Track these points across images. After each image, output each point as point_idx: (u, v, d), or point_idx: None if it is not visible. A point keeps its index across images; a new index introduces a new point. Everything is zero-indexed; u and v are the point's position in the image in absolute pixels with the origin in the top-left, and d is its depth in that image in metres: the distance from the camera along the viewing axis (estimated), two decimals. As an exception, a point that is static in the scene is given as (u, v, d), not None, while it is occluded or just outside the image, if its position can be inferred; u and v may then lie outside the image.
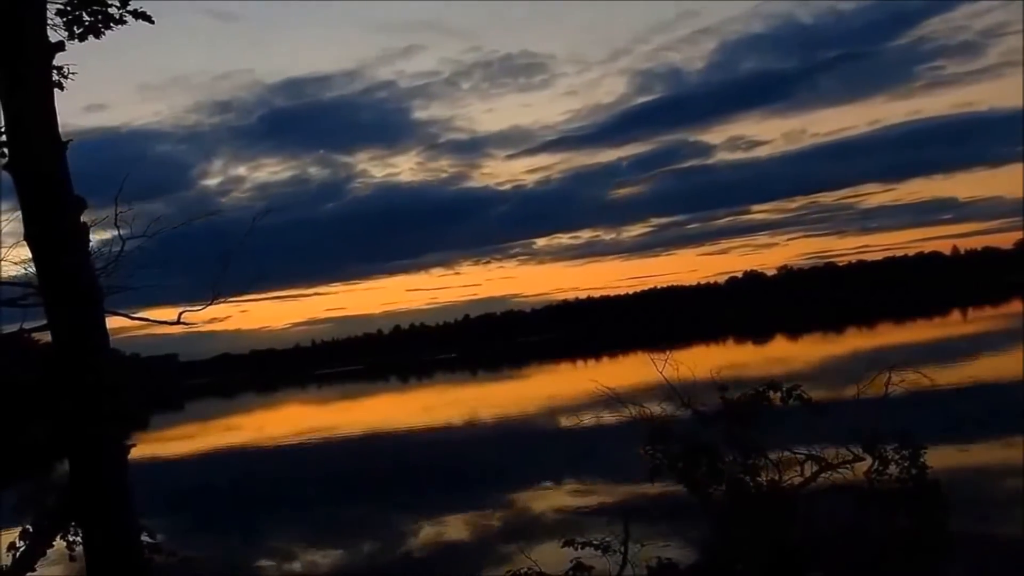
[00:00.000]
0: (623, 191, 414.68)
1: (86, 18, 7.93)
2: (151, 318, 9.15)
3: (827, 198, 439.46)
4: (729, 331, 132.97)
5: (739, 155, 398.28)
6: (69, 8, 7.89)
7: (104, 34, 8.02)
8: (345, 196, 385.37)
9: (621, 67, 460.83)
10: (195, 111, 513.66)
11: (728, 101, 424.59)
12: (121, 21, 7.99)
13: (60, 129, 7.23)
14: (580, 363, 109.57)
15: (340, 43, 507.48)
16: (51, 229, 7.15)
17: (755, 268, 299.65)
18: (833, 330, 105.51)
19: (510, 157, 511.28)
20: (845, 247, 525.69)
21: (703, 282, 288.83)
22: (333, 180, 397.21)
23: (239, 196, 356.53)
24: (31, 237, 7.22)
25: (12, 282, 8.84)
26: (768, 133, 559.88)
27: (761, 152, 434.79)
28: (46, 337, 7.56)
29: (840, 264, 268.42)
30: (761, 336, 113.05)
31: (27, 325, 8.75)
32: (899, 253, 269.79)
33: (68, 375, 7.26)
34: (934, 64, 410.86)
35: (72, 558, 9.22)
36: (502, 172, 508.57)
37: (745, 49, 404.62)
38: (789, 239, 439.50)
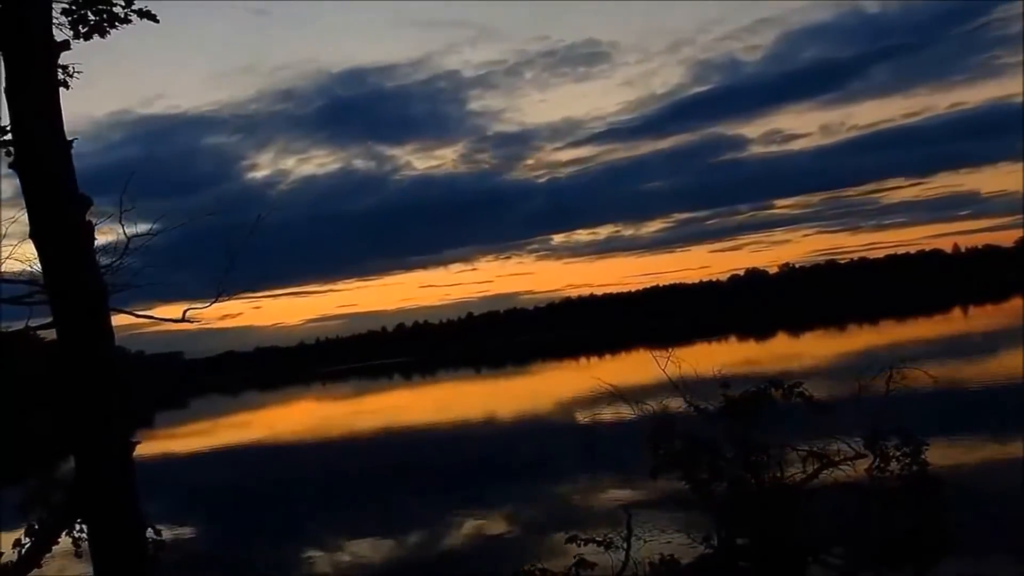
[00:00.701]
0: (651, 185, 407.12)
1: (91, 17, 7.97)
2: (156, 315, 9.21)
3: (850, 193, 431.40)
4: (728, 329, 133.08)
5: (772, 149, 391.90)
6: (74, 7, 7.93)
7: (109, 33, 8.06)
8: (384, 189, 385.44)
9: (681, 57, 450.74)
10: (256, 100, 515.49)
11: (778, 92, 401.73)
12: (126, 20, 8.03)
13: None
14: (580, 361, 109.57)
15: (409, 32, 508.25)
16: (56, 227, 7.20)
17: (763, 265, 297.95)
18: (831, 328, 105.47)
19: (556, 149, 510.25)
20: (855, 244, 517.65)
21: (706, 279, 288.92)
22: (377, 173, 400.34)
23: (283, 190, 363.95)
24: (36, 235, 7.27)
25: (18, 280, 8.90)
26: (807, 126, 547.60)
27: (795, 146, 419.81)
28: (51, 335, 7.60)
29: (841, 262, 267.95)
30: (758, 334, 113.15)
31: (33, 323, 8.80)
32: (901, 251, 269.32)
33: (73, 373, 7.31)
34: (991, 54, 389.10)
35: (78, 555, 9.28)
36: (544, 165, 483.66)
37: (806, 39, 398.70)
38: (805, 235, 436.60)
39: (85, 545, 8.65)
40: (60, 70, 7.55)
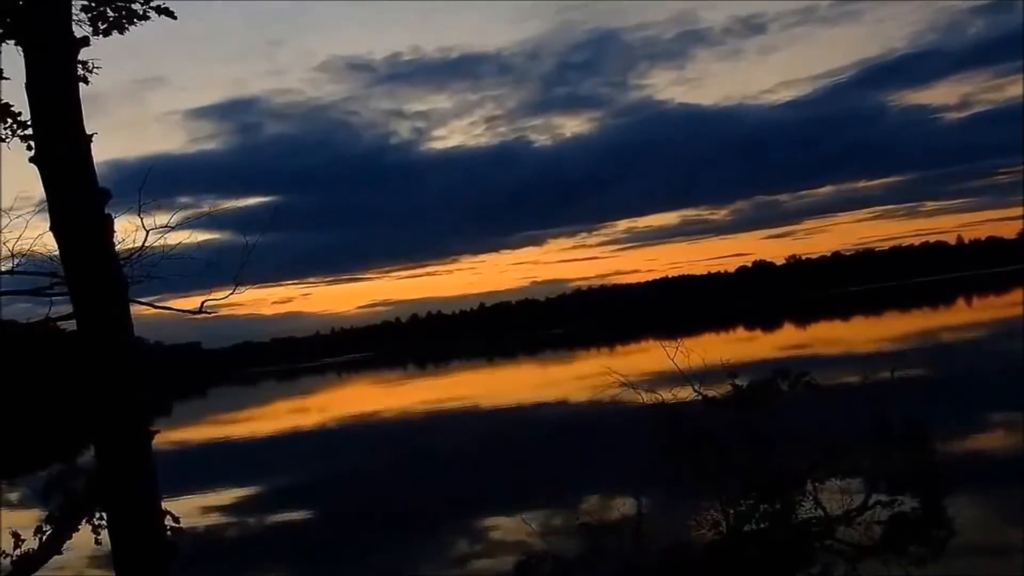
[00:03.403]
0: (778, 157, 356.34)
1: (110, 14, 8.07)
2: (174, 307, 9.31)
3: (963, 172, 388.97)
4: (737, 319, 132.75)
5: (924, 117, 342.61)
6: (94, 4, 8.03)
7: (128, 29, 8.17)
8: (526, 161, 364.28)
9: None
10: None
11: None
12: (144, 17, 8.13)
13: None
14: (586, 352, 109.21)
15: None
16: (76, 220, 7.32)
17: (797, 254, 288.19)
18: (839, 319, 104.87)
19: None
20: (900, 231, 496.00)
21: (721, 270, 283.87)
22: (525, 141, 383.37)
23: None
24: (57, 228, 7.40)
25: (39, 272, 9.02)
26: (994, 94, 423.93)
27: (955, 115, 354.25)
28: (72, 326, 7.71)
29: (846, 254, 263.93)
30: (767, 324, 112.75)
31: (54, 314, 8.92)
32: (905, 243, 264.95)
33: (93, 363, 7.44)
34: None
35: (97, 541, 9.42)
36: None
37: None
38: (858, 220, 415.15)
39: (104, 532, 8.80)
40: (80, 66, 7.66)
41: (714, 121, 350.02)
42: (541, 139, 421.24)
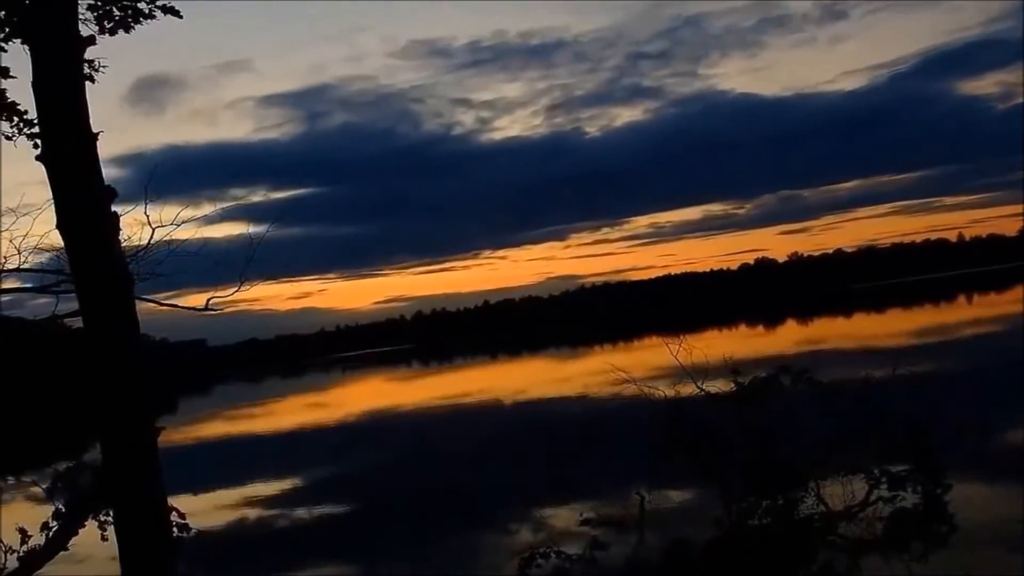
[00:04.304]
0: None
1: (116, 13, 8.13)
2: (180, 304, 9.38)
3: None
4: (737, 317, 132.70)
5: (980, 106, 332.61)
6: (100, 3, 8.08)
7: (133, 28, 8.22)
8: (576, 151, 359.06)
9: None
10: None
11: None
12: (150, 16, 8.19)
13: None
14: (587, 350, 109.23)
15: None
16: (82, 218, 7.38)
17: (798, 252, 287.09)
18: (841, 316, 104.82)
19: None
20: (915, 227, 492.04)
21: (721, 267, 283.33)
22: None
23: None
24: (63, 226, 7.45)
25: (45, 270, 9.09)
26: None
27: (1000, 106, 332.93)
28: (78, 323, 7.77)
29: (848, 251, 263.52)
30: (768, 321, 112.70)
31: (60, 311, 8.99)
32: (915, 239, 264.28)
33: (99, 359, 7.49)
34: None
35: (103, 538, 9.48)
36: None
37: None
38: (875, 216, 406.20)
39: (111, 528, 8.87)
40: (86, 64, 7.71)
41: (766, 112, 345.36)
42: (592, 130, 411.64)
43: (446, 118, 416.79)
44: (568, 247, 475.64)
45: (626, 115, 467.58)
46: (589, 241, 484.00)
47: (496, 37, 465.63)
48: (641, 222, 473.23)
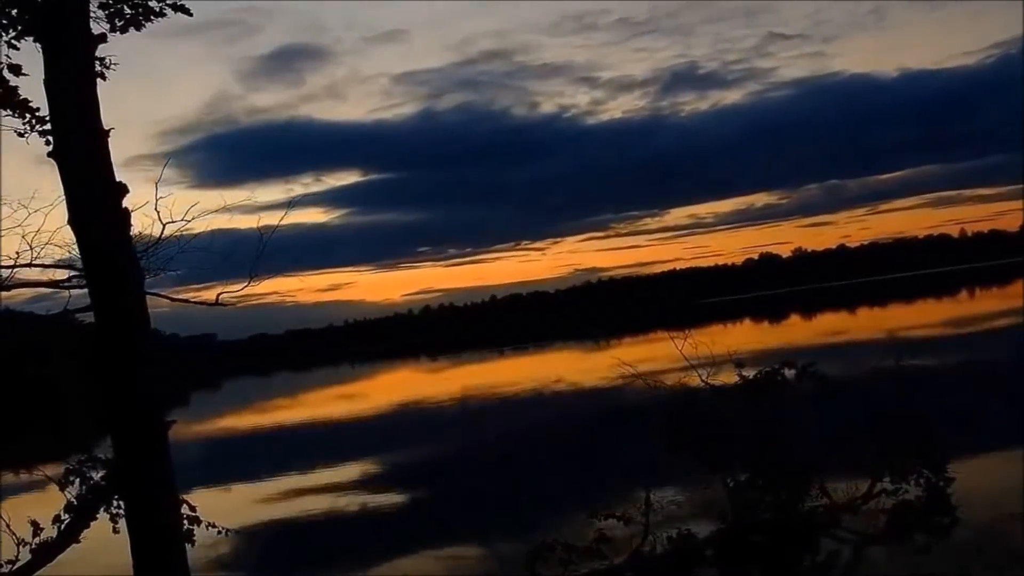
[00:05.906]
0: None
1: (127, 11, 8.21)
2: (191, 299, 9.47)
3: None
4: (736, 314, 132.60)
5: None
6: (111, 1, 8.16)
7: (144, 26, 8.30)
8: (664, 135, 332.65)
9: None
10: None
11: None
12: (161, 14, 8.26)
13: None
14: (591, 345, 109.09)
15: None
16: (94, 214, 7.47)
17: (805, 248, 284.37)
18: (842, 311, 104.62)
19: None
20: (937, 220, 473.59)
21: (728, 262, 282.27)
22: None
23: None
24: (75, 222, 7.55)
25: (57, 265, 9.19)
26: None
27: None
28: (90, 318, 7.86)
29: (850, 246, 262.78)
30: (767, 317, 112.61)
31: (72, 307, 9.08)
32: (909, 235, 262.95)
33: (110, 355, 7.59)
34: None
35: (115, 530, 9.58)
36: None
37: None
38: (897, 210, 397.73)
39: (122, 521, 8.97)
40: (97, 62, 7.81)
41: (862, 94, 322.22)
42: (681, 114, 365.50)
43: (566, 98, 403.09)
44: (605, 240, 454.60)
45: (728, 97, 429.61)
46: (625, 232, 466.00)
47: (651, 10, 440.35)
48: (680, 214, 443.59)
